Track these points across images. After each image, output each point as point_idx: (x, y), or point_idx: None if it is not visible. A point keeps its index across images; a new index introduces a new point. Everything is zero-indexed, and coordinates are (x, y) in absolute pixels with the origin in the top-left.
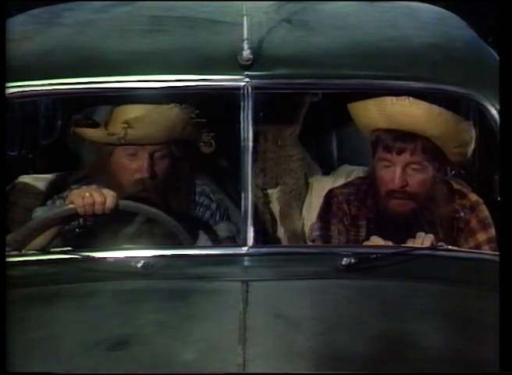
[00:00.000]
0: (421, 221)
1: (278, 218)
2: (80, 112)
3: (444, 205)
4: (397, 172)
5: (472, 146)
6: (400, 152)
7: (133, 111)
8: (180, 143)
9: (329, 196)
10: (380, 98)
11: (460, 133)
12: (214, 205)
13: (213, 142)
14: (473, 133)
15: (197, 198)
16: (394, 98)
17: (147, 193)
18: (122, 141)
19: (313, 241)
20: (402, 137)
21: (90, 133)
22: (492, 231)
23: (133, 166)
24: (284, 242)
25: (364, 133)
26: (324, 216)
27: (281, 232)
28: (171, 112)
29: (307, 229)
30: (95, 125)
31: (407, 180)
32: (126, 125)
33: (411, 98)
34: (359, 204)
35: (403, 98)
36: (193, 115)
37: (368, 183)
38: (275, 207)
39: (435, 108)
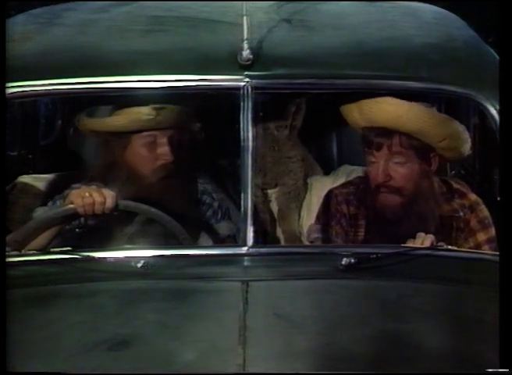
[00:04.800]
0: (413, 218)
1: (277, 218)
2: (79, 112)
3: (440, 202)
4: (380, 167)
5: (464, 140)
6: (378, 148)
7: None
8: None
9: (328, 196)
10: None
11: (439, 126)
12: (216, 204)
13: (202, 132)
14: (458, 125)
15: (199, 196)
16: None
17: (169, 180)
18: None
19: (311, 242)
20: (380, 134)
21: (98, 125)
22: (492, 231)
23: (154, 154)
24: (284, 242)
25: (357, 132)
26: (322, 217)
27: (281, 232)
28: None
29: (306, 229)
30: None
31: (390, 175)
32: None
33: (387, 97)
34: (358, 203)
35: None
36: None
37: (366, 182)
38: (275, 207)
39: (405, 104)
